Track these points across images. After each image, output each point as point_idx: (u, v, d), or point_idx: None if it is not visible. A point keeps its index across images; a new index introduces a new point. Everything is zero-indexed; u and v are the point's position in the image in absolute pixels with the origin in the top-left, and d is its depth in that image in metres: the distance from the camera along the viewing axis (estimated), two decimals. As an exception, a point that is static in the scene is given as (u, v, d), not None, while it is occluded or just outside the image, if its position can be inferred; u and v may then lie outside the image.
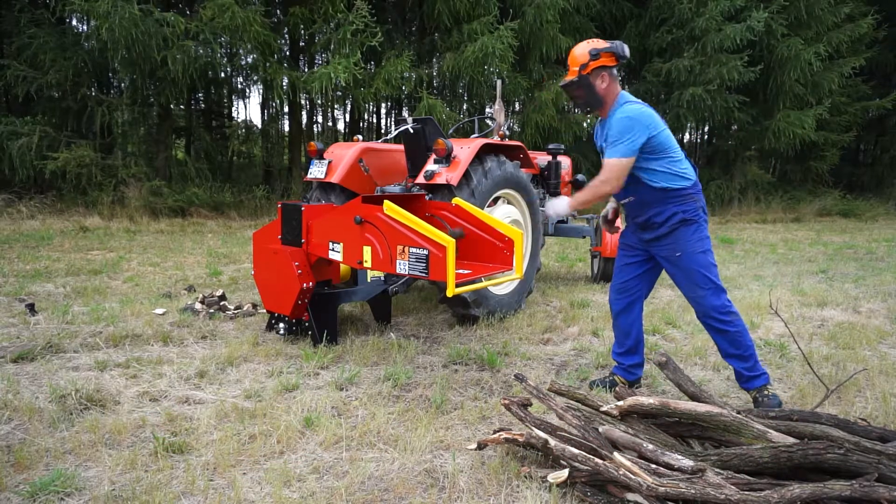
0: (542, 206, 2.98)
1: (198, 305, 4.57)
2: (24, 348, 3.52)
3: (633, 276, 3.20)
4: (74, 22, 11.81)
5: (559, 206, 3.14)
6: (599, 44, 2.94)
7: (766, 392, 2.97)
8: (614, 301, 3.27)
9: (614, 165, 2.86)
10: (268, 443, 2.53)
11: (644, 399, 2.35)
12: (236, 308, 4.62)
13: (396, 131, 5.05)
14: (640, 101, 2.98)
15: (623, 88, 3.10)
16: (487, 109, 13.89)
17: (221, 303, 4.66)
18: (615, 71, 2.96)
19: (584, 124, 13.82)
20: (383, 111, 17.09)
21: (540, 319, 4.67)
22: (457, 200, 3.85)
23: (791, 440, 2.19)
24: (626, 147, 2.83)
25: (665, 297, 5.57)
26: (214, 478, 2.27)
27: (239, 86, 14.95)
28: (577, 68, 2.93)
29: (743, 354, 2.97)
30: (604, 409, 2.41)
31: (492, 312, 4.54)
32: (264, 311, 4.53)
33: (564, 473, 2.13)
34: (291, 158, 13.67)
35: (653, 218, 3.00)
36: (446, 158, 4.30)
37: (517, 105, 14.81)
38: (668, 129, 2.99)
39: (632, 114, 2.85)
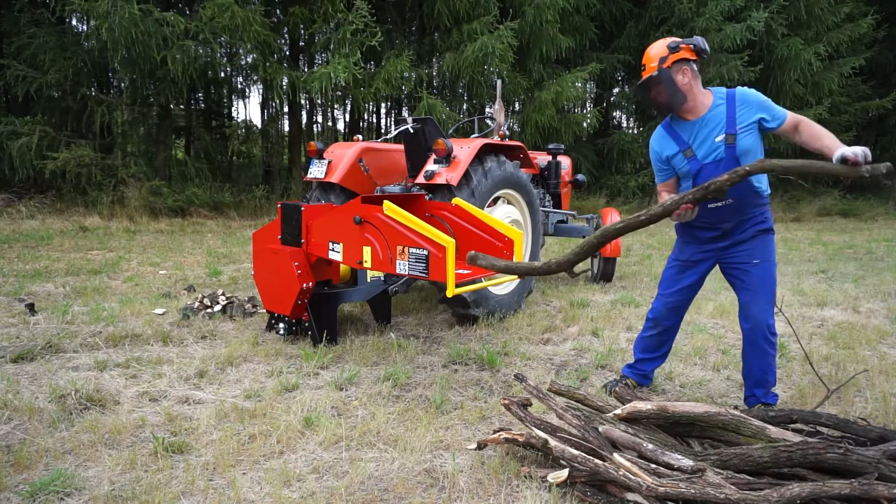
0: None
1: (196, 304, 4.56)
2: (23, 348, 3.52)
3: (689, 296, 3.05)
4: (74, 22, 11.81)
5: (857, 148, 2.36)
6: (676, 38, 2.81)
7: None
8: (664, 317, 3.09)
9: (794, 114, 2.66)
10: (268, 443, 2.53)
11: (642, 405, 2.35)
12: (228, 301, 4.60)
13: (396, 131, 5.05)
14: None
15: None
16: (487, 109, 13.89)
17: (217, 300, 4.65)
18: (696, 66, 2.78)
19: (584, 124, 13.81)
20: (383, 111, 17.10)
21: (540, 319, 4.67)
22: (457, 200, 3.85)
23: (791, 436, 2.19)
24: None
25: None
26: (214, 478, 2.27)
27: (239, 86, 14.96)
28: (657, 63, 2.75)
29: (769, 380, 2.89)
30: (606, 416, 2.41)
31: (492, 312, 4.54)
32: (264, 310, 4.52)
33: (564, 473, 2.13)
34: (291, 158, 13.66)
35: (743, 224, 2.82)
36: (446, 158, 4.30)
37: (517, 105, 14.80)
38: None
39: (746, 88, 2.74)
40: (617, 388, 2.74)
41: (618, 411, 2.39)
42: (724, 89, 2.79)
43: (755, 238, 2.81)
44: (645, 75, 2.82)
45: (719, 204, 2.77)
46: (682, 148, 2.82)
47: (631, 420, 2.37)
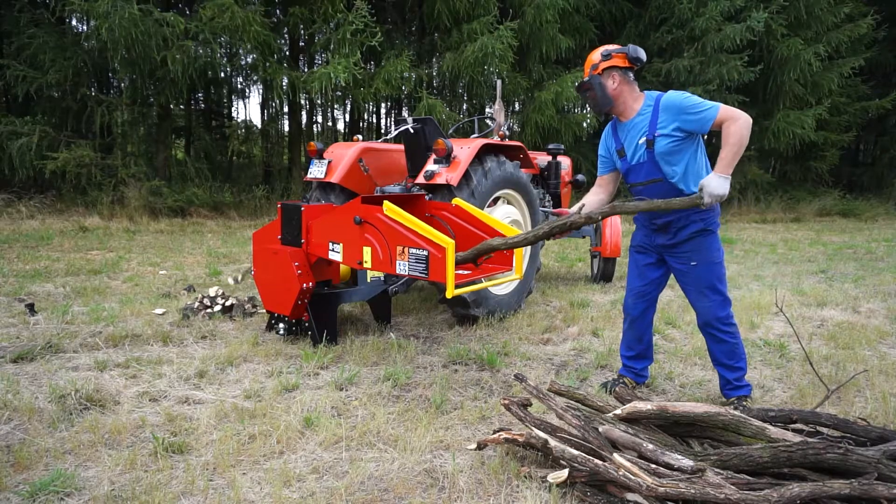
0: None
1: (196, 304, 4.56)
2: (23, 348, 3.52)
3: (651, 279, 3.14)
4: (74, 22, 11.80)
5: (719, 185, 2.57)
6: (612, 46, 2.97)
7: (744, 403, 3.00)
8: (632, 306, 3.20)
9: (727, 109, 2.65)
10: (268, 443, 2.53)
11: (642, 405, 2.36)
12: (222, 298, 4.60)
13: (396, 131, 5.05)
14: None
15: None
16: (487, 109, 13.88)
17: (216, 299, 4.65)
18: (630, 74, 2.93)
19: (584, 124, 13.81)
20: (383, 111, 17.10)
21: (540, 319, 4.67)
22: (457, 201, 3.85)
23: (791, 437, 2.20)
24: (711, 103, 2.71)
25: (665, 297, 5.56)
26: (214, 478, 2.27)
27: (239, 86, 14.96)
28: (590, 69, 2.97)
29: (735, 365, 3.00)
30: (606, 416, 2.41)
31: (492, 312, 4.54)
32: (264, 310, 4.52)
33: (564, 473, 2.13)
34: (291, 158, 13.66)
35: (674, 223, 2.94)
36: (446, 158, 4.30)
37: (517, 105, 14.81)
38: None
39: (673, 92, 2.82)
40: (617, 388, 2.74)
41: (618, 411, 2.39)
42: (655, 94, 2.91)
43: (691, 240, 2.93)
44: (582, 79, 3.04)
45: (644, 198, 2.98)
46: (618, 147, 3.04)
47: (631, 420, 2.37)
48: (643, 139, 2.88)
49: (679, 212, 2.87)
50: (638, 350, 3.26)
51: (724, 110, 2.66)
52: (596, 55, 2.98)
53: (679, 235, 2.94)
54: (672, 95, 2.81)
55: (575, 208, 2.89)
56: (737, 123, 2.61)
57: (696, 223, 2.89)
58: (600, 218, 2.80)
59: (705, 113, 2.70)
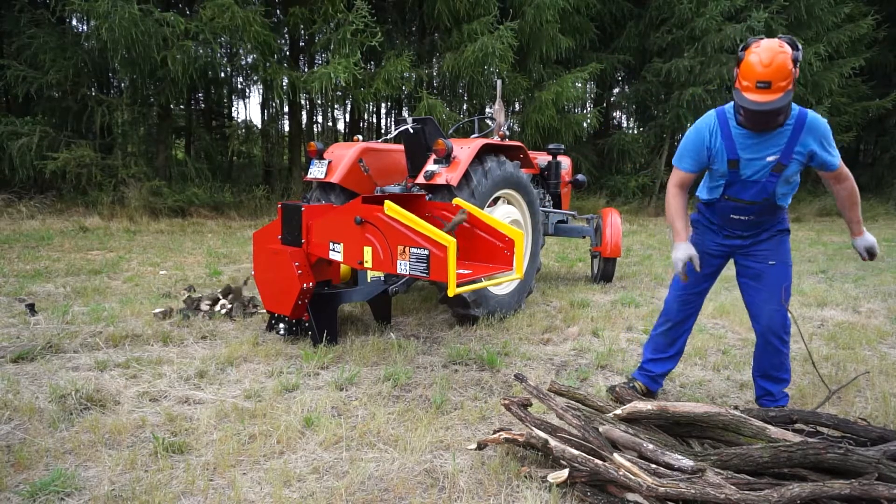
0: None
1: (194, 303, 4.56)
2: (24, 348, 3.52)
3: (704, 287, 2.98)
4: (74, 22, 11.80)
5: (870, 238, 2.74)
6: (787, 48, 2.39)
7: None
8: (678, 311, 3.00)
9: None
10: (268, 443, 2.53)
11: (642, 405, 2.35)
12: (213, 302, 4.60)
13: (396, 131, 5.05)
14: None
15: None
16: (487, 109, 13.89)
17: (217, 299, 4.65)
18: None
19: (584, 124, 13.82)
20: (383, 111, 17.10)
21: (540, 319, 4.67)
22: (457, 200, 3.85)
23: (791, 437, 2.19)
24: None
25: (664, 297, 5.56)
26: (214, 478, 2.27)
27: (239, 86, 14.95)
28: (786, 83, 2.36)
29: (783, 378, 2.91)
30: (607, 416, 2.40)
31: (492, 312, 4.54)
32: (264, 310, 4.52)
33: (564, 473, 2.13)
34: (291, 158, 13.66)
35: (764, 225, 2.80)
36: (446, 158, 4.30)
37: (517, 105, 14.80)
38: None
39: (819, 116, 2.57)
40: (617, 388, 2.74)
41: (618, 411, 2.39)
42: (796, 108, 2.55)
43: (772, 239, 2.79)
44: (774, 97, 2.37)
45: (742, 217, 2.77)
46: (731, 157, 2.63)
47: (631, 420, 2.37)
48: (773, 157, 2.56)
49: (765, 222, 2.78)
50: (667, 353, 3.08)
51: (842, 164, 2.62)
52: (788, 63, 2.34)
53: (761, 235, 2.80)
54: (818, 120, 2.54)
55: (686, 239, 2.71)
56: (857, 189, 2.69)
57: (781, 222, 2.80)
58: None
59: (836, 155, 2.59)
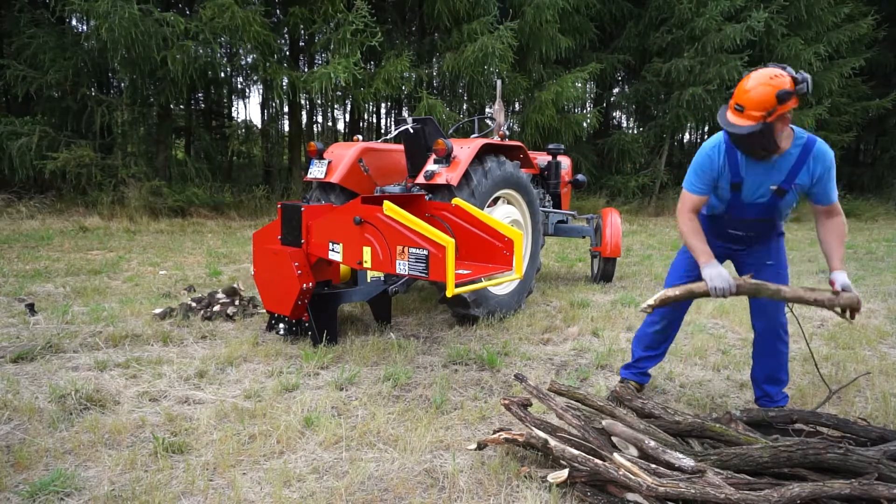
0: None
1: (193, 303, 4.56)
2: (23, 348, 3.52)
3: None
4: (74, 22, 11.80)
5: (849, 282, 2.63)
6: (785, 82, 2.34)
7: None
8: (674, 307, 2.98)
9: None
10: (268, 443, 2.53)
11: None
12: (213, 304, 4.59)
13: (396, 131, 5.05)
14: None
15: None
16: (487, 109, 13.88)
17: (217, 298, 4.64)
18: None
19: (584, 124, 13.82)
20: (383, 111, 17.10)
21: (540, 319, 4.67)
22: (457, 201, 3.85)
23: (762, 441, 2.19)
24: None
25: (665, 297, 5.56)
26: (214, 478, 2.27)
27: (239, 86, 14.95)
28: (762, 114, 2.35)
29: (783, 378, 2.93)
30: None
31: (492, 312, 4.54)
32: (264, 310, 4.52)
33: (564, 473, 2.13)
34: (291, 158, 13.66)
35: (761, 238, 2.84)
36: (446, 158, 4.30)
37: (517, 105, 14.81)
38: None
39: (827, 147, 2.55)
40: (617, 388, 2.74)
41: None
42: (805, 135, 2.54)
43: (769, 243, 2.83)
44: (741, 122, 2.41)
45: (738, 233, 2.83)
46: (734, 179, 2.64)
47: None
48: (776, 186, 2.58)
49: (770, 229, 2.80)
50: (659, 350, 3.14)
51: (837, 201, 2.63)
52: (768, 96, 2.33)
53: (759, 241, 2.85)
54: (826, 152, 2.53)
55: (722, 273, 2.60)
56: (845, 226, 2.64)
57: (775, 228, 2.83)
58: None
59: (834, 189, 2.60)
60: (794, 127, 2.56)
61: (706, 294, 2.60)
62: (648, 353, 3.15)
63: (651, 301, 2.65)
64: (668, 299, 2.64)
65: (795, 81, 2.36)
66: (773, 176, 2.58)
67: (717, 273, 2.58)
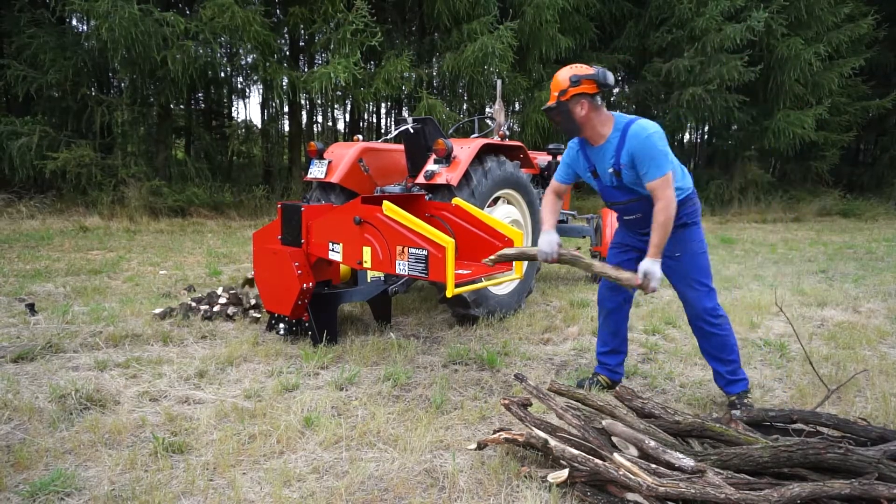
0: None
1: (194, 304, 4.56)
2: (24, 348, 3.52)
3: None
4: (74, 22, 11.80)
5: (658, 269, 2.72)
6: (581, 70, 2.81)
7: (745, 399, 2.98)
8: (607, 298, 3.24)
9: (668, 181, 2.68)
10: (268, 443, 2.53)
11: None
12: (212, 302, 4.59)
13: (396, 131, 5.05)
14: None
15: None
16: (487, 109, 13.89)
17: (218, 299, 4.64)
18: (598, 98, 2.82)
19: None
20: (383, 111, 17.10)
21: (540, 319, 4.67)
22: (457, 200, 3.85)
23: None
24: (667, 159, 2.71)
25: (665, 296, 5.57)
26: (214, 478, 2.27)
27: (239, 86, 14.95)
28: (557, 94, 2.83)
29: (726, 358, 3.00)
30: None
31: (492, 312, 4.54)
32: (264, 310, 4.52)
33: (564, 473, 2.13)
34: (291, 158, 13.66)
35: (648, 217, 2.92)
36: (446, 158, 4.30)
37: (517, 105, 14.81)
38: None
39: (651, 128, 2.73)
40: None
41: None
42: (624, 120, 2.81)
43: (674, 234, 2.86)
44: (548, 103, 2.90)
45: (631, 217, 3.02)
46: (590, 168, 2.99)
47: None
48: (611, 168, 2.85)
49: (641, 205, 2.91)
50: (613, 345, 3.28)
51: (662, 183, 2.68)
52: (563, 78, 2.81)
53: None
54: (638, 131, 2.73)
55: (551, 239, 2.98)
56: (667, 209, 2.68)
57: (678, 218, 2.85)
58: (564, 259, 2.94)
59: (650, 172, 2.70)
60: (616, 114, 2.88)
61: (535, 257, 3.01)
62: (604, 347, 3.31)
63: (493, 256, 3.02)
64: (503, 257, 3.03)
65: (598, 71, 2.78)
66: (607, 160, 2.87)
67: (546, 240, 2.98)
